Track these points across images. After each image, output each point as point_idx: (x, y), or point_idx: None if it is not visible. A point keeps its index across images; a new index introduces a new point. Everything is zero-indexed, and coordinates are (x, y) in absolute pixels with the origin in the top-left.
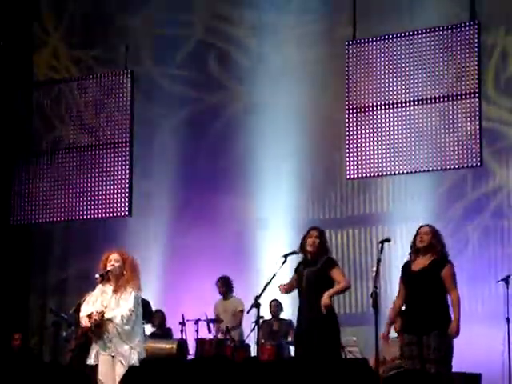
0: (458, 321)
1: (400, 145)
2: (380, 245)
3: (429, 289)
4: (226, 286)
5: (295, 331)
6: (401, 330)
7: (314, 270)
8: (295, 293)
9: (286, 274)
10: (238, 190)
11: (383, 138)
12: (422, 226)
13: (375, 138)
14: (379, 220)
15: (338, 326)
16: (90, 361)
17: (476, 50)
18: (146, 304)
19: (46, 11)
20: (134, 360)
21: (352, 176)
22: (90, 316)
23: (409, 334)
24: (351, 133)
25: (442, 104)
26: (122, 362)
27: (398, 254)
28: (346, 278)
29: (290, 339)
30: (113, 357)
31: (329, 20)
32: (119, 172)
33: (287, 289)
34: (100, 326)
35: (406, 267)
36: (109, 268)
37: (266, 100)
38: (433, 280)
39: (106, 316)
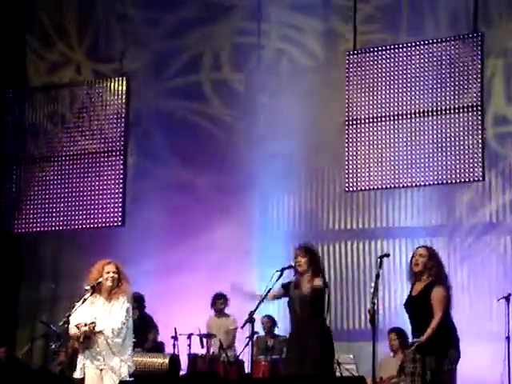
0: (426, 338)
1: (400, 158)
2: (379, 260)
3: (424, 314)
4: (225, 303)
5: (287, 348)
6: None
7: (305, 293)
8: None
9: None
10: (235, 203)
11: (383, 151)
12: (418, 248)
13: (375, 151)
14: (378, 234)
15: (333, 346)
16: (76, 374)
17: (479, 62)
18: (150, 319)
19: (71, 26)
20: (124, 374)
21: (351, 189)
22: (78, 327)
23: (413, 351)
24: (350, 145)
25: (443, 117)
26: (112, 376)
27: (397, 269)
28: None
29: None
30: (101, 370)
31: (330, 30)
32: (112, 181)
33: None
34: (89, 337)
35: (410, 290)
36: (105, 277)
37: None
38: (425, 305)
39: (97, 328)
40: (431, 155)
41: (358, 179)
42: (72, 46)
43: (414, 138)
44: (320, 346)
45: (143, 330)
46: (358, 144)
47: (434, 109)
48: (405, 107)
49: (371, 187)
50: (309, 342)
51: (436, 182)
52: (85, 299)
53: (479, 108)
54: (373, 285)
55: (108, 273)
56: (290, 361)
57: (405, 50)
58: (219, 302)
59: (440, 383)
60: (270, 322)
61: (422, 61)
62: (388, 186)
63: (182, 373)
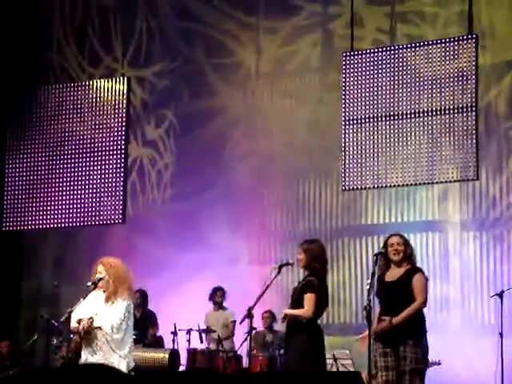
0: (403, 317)
1: (395, 157)
2: (374, 258)
3: (403, 299)
4: (223, 296)
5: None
6: (375, 338)
7: (296, 288)
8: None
9: (280, 284)
10: (232, 200)
11: (379, 150)
12: (392, 236)
13: (371, 150)
14: (374, 231)
15: (311, 348)
16: None
17: (474, 63)
18: (152, 315)
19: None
20: (123, 370)
21: (348, 187)
22: (79, 322)
23: (384, 345)
24: (347, 144)
25: (439, 117)
26: None
27: None
28: (311, 309)
29: (283, 351)
30: None
31: (327, 31)
32: (113, 179)
33: None
34: (89, 332)
35: (380, 278)
36: (98, 276)
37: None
38: (404, 290)
39: (96, 324)
40: (426, 155)
41: (355, 178)
42: (117, 58)
43: (409, 138)
44: (297, 349)
45: (144, 327)
46: (355, 143)
47: (430, 109)
48: (400, 107)
49: (367, 186)
50: (290, 342)
51: (431, 182)
52: (87, 295)
53: (474, 109)
54: (368, 282)
55: (95, 273)
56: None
57: (401, 50)
58: (217, 295)
59: (416, 371)
60: (271, 317)
61: (418, 61)
62: (384, 185)
63: (181, 368)
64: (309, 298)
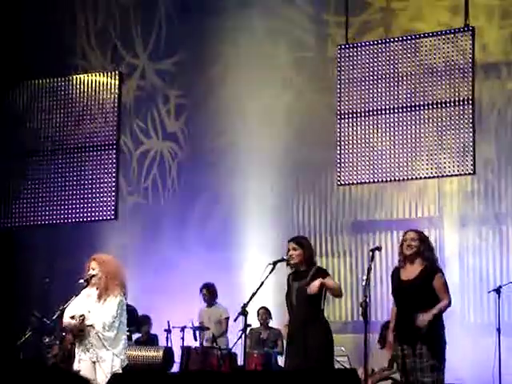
0: (432, 314)
1: (392, 151)
2: (371, 253)
3: (420, 299)
4: (210, 293)
5: (287, 342)
6: (395, 340)
7: (305, 283)
8: (283, 301)
9: (274, 281)
10: (227, 197)
11: (375, 144)
12: (408, 232)
13: (367, 144)
14: (370, 227)
15: (331, 341)
16: (75, 366)
17: (470, 55)
18: (132, 310)
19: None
20: (116, 367)
21: (343, 182)
22: (72, 318)
23: (402, 345)
24: (343, 138)
25: (435, 110)
26: (103, 369)
27: (389, 262)
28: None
29: (278, 349)
30: (94, 362)
31: (322, 23)
32: (105, 175)
33: None
34: (82, 330)
35: (396, 275)
36: (91, 273)
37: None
38: (424, 290)
39: (88, 322)
40: (422, 149)
41: (351, 173)
42: (137, 55)
43: (406, 132)
44: (320, 343)
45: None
46: (350, 138)
47: (426, 103)
48: (396, 101)
49: (363, 181)
50: (309, 337)
51: (426, 176)
52: (79, 293)
53: (470, 102)
54: (365, 278)
55: (89, 269)
56: (291, 354)
57: (396, 43)
58: (206, 291)
59: (435, 367)
60: (267, 314)
61: (414, 54)
62: (379, 180)
63: (175, 365)
64: (331, 279)
